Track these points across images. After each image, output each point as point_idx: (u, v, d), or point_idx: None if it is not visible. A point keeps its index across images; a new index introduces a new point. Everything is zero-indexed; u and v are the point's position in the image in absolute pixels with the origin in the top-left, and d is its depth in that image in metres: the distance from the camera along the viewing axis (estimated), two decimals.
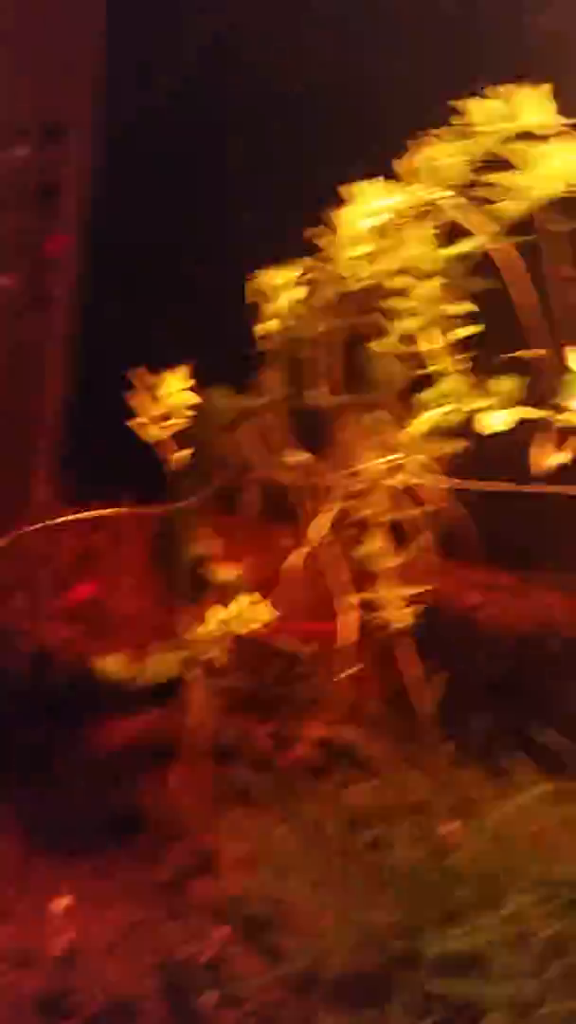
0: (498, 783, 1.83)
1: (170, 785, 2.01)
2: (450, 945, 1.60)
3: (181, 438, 1.96)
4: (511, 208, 1.79)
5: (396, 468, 1.87)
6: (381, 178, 1.83)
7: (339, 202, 1.85)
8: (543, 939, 1.58)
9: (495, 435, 1.81)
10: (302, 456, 1.92)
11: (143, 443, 1.97)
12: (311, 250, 1.88)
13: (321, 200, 1.88)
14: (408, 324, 1.82)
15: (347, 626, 1.88)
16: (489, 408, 1.79)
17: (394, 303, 1.83)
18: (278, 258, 1.93)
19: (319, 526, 1.89)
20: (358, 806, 1.88)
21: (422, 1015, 1.58)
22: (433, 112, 1.84)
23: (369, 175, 1.84)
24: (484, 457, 1.87)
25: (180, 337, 2.04)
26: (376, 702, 2.14)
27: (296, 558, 1.90)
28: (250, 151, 2.59)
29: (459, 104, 1.81)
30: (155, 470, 1.98)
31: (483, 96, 1.82)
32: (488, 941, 1.58)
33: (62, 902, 1.84)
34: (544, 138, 1.80)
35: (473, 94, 1.81)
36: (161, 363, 1.97)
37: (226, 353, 1.89)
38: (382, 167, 1.85)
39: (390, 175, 1.85)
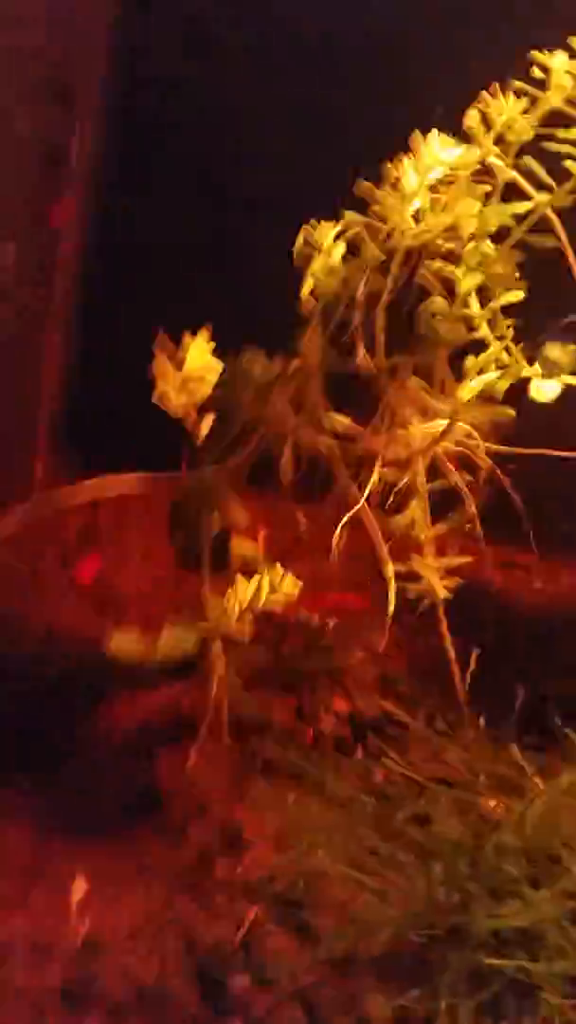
0: (539, 758, 1.78)
1: (191, 761, 1.93)
2: (499, 922, 1.54)
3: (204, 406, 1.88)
4: None
5: (441, 434, 1.81)
6: (437, 132, 1.76)
7: (382, 158, 1.78)
8: None
9: (542, 406, 1.76)
10: (343, 421, 1.85)
11: (148, 414, 1.89)
12: (335, 210, 1.81)
13: (352, 159, 1.81)
14: (461, 285, 1.75)
15: (390, 596, 1.82)
16: (539, 376, 1.74)
17: (446, 264, 1.77)
18: (304, 217, 1.86)
19: (364, 491, 1.83)
20: (391, 780, 1.81)
21: (472, 993, 1.52)
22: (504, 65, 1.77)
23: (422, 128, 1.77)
24: (527, 429, 1.82)
25: (192, 305, 1.96)
26: (405, 676, 2.08)
27: (338, 525, 1.83)
28: (276, 104, 2.47)
29: (533, 56, 1.75)
30: (161, 442, 1.90)
31: (559, 48, 1.76)
32: (539, 918, 1.52)
33: (81, 887, 1.75)
34: None
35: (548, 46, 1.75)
36: (173, 331, 1.89)
37: (244, 320, 1.83)
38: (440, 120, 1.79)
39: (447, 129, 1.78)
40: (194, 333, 1.86)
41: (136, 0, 2.53)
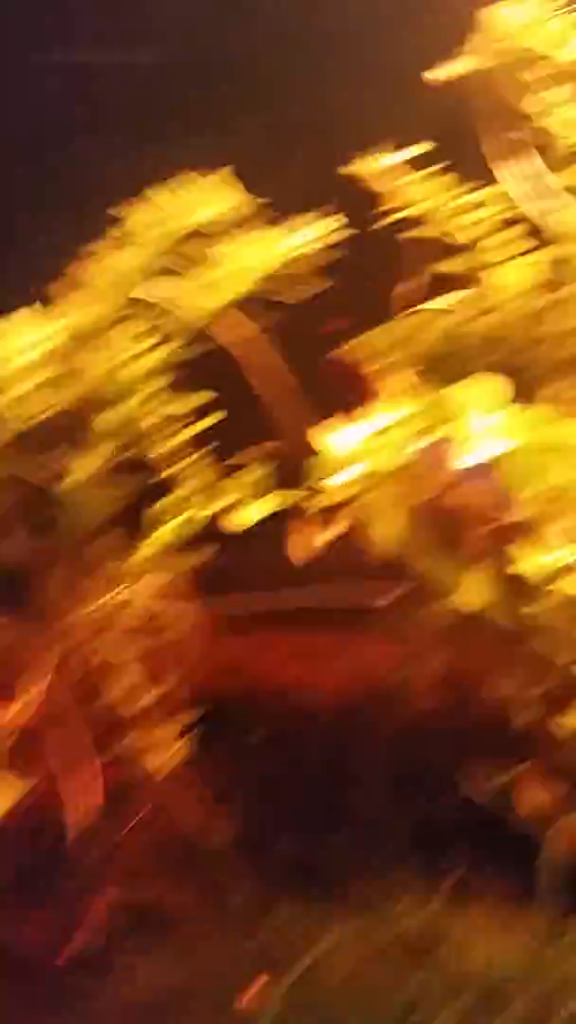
0: (306, 921, 1.68)
1: None
2: None
3: None
4: (193, 314, 1.74)
5: (124, 602, 1.76)
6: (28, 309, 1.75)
7: None
8: None
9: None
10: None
11: None
12: None
13: None
14: (103, 449, 1.73)
15: (92, 792, 1.74)
16: (237, 503, 1.71)
17: (88, 426, 1.75)
18: None
19: (30, 702, 1.75)
20: (149, 988, 1.70)
21: None
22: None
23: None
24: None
25: None
26: (168, 851, 1.95)
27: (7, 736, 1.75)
28: None
29: (121, 212, 1.77)
30: None
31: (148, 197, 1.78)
32: None
33: None
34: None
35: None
36: None
37: None
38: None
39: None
40: None
41: None
